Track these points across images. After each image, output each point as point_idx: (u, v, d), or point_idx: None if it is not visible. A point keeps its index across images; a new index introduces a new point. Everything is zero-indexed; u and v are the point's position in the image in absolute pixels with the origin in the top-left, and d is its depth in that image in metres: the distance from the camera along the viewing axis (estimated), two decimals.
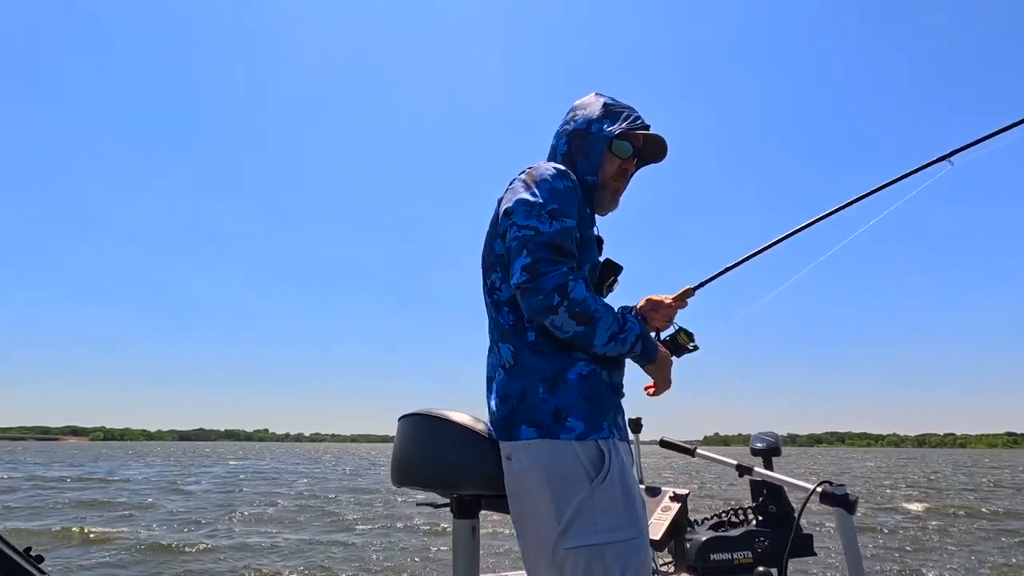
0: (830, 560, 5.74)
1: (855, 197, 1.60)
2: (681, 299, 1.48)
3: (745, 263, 1.60)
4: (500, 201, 1.26)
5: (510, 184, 1.26)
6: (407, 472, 1.25)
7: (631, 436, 1.80)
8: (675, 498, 2.10)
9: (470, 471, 1.17)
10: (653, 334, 1.42)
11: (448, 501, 1.26)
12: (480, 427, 1.20)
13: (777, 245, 1.64)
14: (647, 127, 1.37)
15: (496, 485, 1.15)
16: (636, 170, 1.43)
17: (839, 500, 1.49)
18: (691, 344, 1.44)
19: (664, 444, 2.19)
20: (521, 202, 1.18)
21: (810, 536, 1.98)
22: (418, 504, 1.39)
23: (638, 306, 1.46)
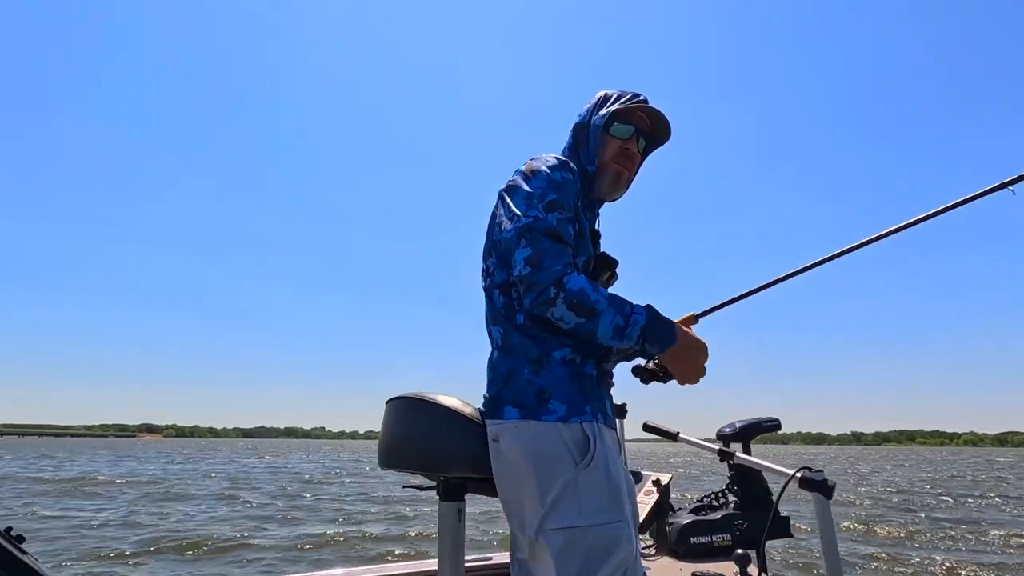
0: (807, 542, 5.79)
1: (898, 226, 1.49)
2: (685, 324, 1.43)
3: (753, 295, 1.58)
4: (500, 192, 1.27)
5: (513, 175, 1.26)
6: (394, 455, 1.24)
7: (616, 422, 1.84)
8: (657, 483, 2.15)
9: (457, 454, 1.17)
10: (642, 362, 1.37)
11: (434, 484, 1.26)
12: (468, 410, 1.20)
13: (793, 276, 1.60)
14: (646, 102, 1.34)
15: (483, 468, 1.15)
16: (646, 153, 1.40)
17: (817, 485, 1.52)
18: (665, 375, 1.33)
19: (647, 428, 2.20)
20: (519, 193, 1.19)
21: (787, 519, 2.03)
22: (404, 487, 1.38)
23: None
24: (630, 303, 1.14)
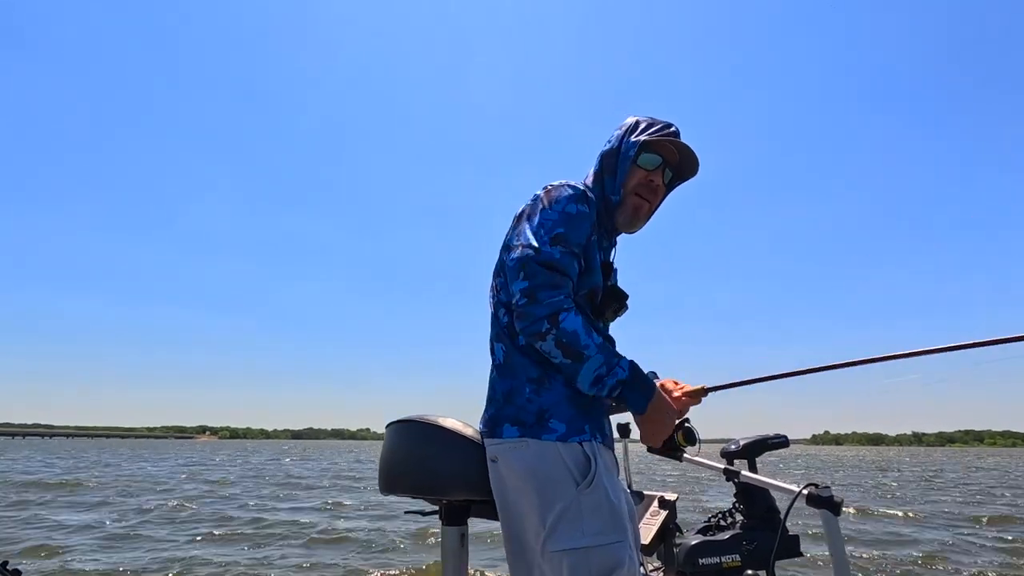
0: (818, 562, 5.56)
1: (910, 352, 1.35)
2: (694, 396, 1.45)
3: (766, 381, 1.57)
4: (516, 216, 1.26)
5: (530, 200, 1.24)
6: (395, 479, 1.23)
7: (618, 440, 1.81)
8: (663, 503, 2.14)
9: (459, 477, 1.16)
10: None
11: (437, 508, 1.24)
12: (469, 432, 1.19)
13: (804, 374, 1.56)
14: (676, 135, 1.31)
15: (486, 491, 1.14)
16: (671, 188, 1.37)
17: (824, 502, 1.49)
18: (683, 447, 1.40)
19: (652, 449, 2.23)
20: (529, 221, 1.18)
21: (796, 537, 1.99)
22: (406, 512, 1.36)
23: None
24: (619, 356, 1.12)
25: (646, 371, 1.45)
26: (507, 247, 1.23)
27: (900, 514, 9.31)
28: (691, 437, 1.48)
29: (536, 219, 1.17)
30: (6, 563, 1.08)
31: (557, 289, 1.09)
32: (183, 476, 16.02)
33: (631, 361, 1.12)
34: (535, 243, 1.13)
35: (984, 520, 8.72)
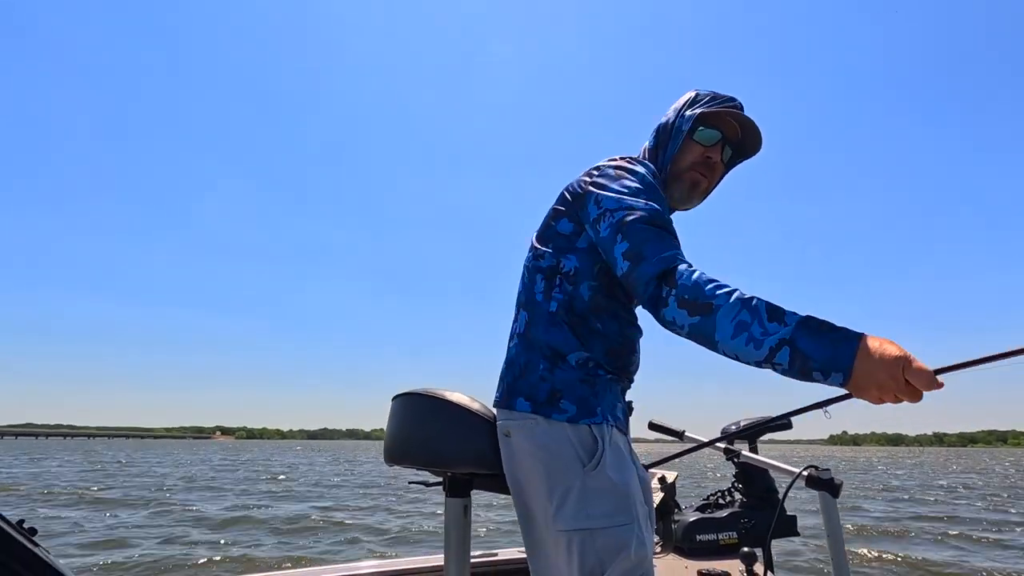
0: (814, 541, 5.61)
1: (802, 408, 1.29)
2: None
3: (700, 449, 1.80)
4: (582, 185, 1.15)
5: (592, 171, 1.16)
6: (399, 450, 1.23)
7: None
8: (663, 481, 2.16)
9: (464, 450, 1.16)
10: None
11: (440, 480, 1.25)
12: (476, 406, 1.18)
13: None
14: (739, 108, 1.21)
15: (489, 464, 1.14)
16: (731, 165, 1.27)
17: (824, 484, 1.50)
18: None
19: (653, 427, 2.17)
20: (611, 188, 1.09)
21: (793, 517, 2.03)
22: (410, 483, 1.38)
23: None
24: (768, 303, 0.87)
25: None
26: (591, 223, 1.10)
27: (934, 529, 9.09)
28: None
29: (620, 183, 1.08)
30: (22, 522, 1.10)
31: (664, 243, 0.98)
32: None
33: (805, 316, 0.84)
34: (629, 203, 1.04)
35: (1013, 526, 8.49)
